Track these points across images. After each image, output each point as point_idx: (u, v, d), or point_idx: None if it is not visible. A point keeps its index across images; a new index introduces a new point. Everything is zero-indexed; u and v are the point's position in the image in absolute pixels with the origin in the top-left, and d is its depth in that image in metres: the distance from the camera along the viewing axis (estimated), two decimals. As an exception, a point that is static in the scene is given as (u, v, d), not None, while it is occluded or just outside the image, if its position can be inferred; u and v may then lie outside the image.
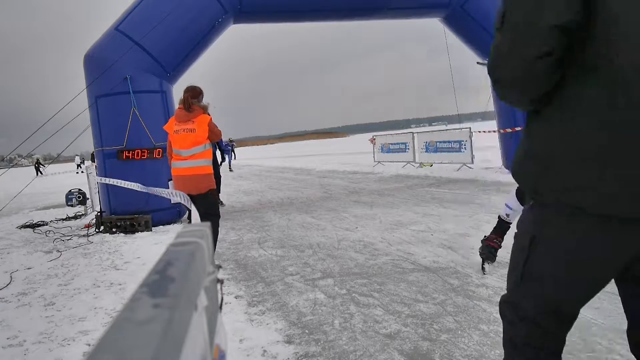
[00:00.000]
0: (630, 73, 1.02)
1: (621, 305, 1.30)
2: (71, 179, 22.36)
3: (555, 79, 1.10)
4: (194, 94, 4.06)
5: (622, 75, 1.03)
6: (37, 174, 34.26)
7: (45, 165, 41.85)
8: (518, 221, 1.32)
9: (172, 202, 6.41)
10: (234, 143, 23.93)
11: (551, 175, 1.14)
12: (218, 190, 8.22)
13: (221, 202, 8.27)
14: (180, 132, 3.97)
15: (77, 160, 41.51)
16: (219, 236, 5.43)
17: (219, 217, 4.16)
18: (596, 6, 1.03)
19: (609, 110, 1.05)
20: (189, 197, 3.83)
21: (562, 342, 1.30)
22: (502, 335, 1.39)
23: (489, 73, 1.18)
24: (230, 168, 20.46)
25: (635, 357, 1.30)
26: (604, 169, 1.06)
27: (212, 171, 4.17)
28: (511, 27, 1.10)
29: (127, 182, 5.46)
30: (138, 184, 5.12)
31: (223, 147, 10.04)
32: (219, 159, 9.27)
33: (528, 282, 1.28)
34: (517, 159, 1.24)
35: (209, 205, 3.96)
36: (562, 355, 1.31)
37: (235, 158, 23.67)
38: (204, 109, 4.07)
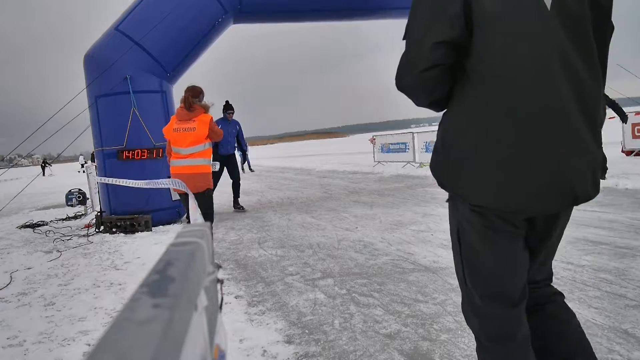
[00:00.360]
0: (494, 82, 1.12)
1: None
2: (71, 179, 22.35)
3: (446, 87, 1.21)
4: (194, 94, 4.09)
5: (488, 84, 1.13)
6: (43, 173, 34.24)
7: (51, 165, 41.88)
8: (449, 217, 1.37)
9: (172, 199, 6.41)
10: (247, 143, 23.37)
11: (446, 169, 1.25)
12: (237, 195, 7.83)
13: (242, 207, 7.65)
14: (179, 130, 3.99)
15: (81, 160, 41.60)
16: (219, 236, 5.44)
17: (213, 218, 4.20)
18: (473, 21, 1.13)
19: (477, 116, 1.16)
20: (185, 184, 3.85)
21: (522, 329, 1.28)
22: None
23: (395, 80, 1.27)
24: (250, 168, 19.94)
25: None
26: (472, 168, 1.17)
27: (210, 170, 4.18)
28: (408, 41, 1.22)
29: (126, 180, 5.45)
30: (136, 181, 5.11)
31: (245, 147, 9.13)
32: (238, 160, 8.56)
33: (469, 274, 1.30)
34: (432, 154, 1.36)
35: (205, 204, 3.97)
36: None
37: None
38: (205, 109, 4.09)
